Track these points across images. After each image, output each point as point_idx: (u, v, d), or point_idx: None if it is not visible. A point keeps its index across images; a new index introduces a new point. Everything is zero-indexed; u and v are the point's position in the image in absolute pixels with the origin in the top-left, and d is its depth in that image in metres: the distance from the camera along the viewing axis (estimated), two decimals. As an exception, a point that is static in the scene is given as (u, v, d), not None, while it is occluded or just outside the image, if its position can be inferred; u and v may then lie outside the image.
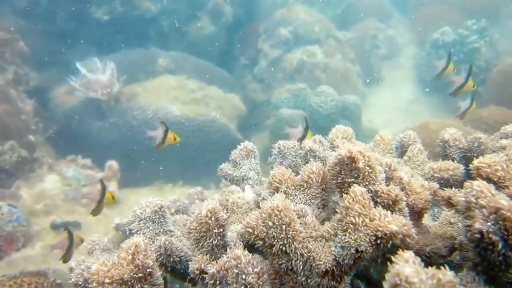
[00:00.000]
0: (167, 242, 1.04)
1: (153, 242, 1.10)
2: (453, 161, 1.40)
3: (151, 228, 1.15)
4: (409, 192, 1.04)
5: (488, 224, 0.74)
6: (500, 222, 0.73)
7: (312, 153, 1.39)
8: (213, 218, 0.97)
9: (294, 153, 1.54)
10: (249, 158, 1.64)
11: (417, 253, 0.99)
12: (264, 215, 0.89)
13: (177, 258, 1.06)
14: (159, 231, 1.16)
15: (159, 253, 1.03)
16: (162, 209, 1.18)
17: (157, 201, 1.17)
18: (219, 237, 0.99)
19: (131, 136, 4.09)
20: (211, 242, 0.97)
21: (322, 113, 4.48)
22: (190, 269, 0.96)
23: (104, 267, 0.86)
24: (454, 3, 6.79)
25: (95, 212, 1.94)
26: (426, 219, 1.27)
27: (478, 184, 0.79)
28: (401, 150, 1.63)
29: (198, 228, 0.98)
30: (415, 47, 6.74)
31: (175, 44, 5.48)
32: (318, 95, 4.61)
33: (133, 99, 4.29)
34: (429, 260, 0.98)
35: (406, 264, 0.63)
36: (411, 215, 1.04)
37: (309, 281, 0.88)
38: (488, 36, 5.45)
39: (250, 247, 1.04)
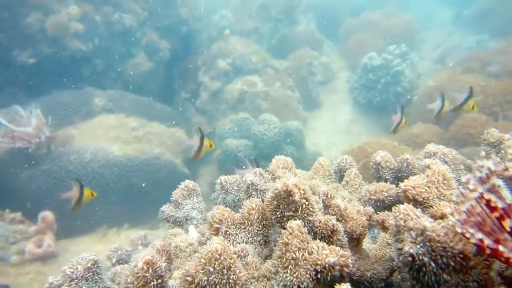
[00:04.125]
0: (102, 303, 0.96)
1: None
2: (386, 182, 1.47)
3: (84, 288, 1.05)
4: (346, 219, 1.06)
5: (418, 246, 0.77)
6: (427, 243, 0.76)
7: (254, 187, 1.38)
8: (150, 270, 0.91)
9: (236, 188, 1.52)
10: (191, 197, 1.60)
11: (359, 280, 1.00)
12: (203, 261, 0.86)
13: (115, 319, 0.97)
14: (94, 290, 1.07)
15: (93, 316, 0.95)
16: (97, 265, 1.09)
17: (90, 257, 1.08)
18: (159, 290, 0.93)
19: (68, 182, 3.83)
20: (150, 296, 0.91)
21: (267, 140, 4.55)
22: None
23: None
24: (377, 31, 7.44)
25: (76, 207, 2.17)
26: (366, 242, 1.30)
27: (405, 207, 0.82)
28: (340, 175, 1.68)
29: (135, 283, 0.91)
30: (348, 72, 7.18)
31: (111, 83, 5.33)
32: (261, 123, 4.69)
33: (68, 143, 4.05)
34: (371, 285, 0.99)
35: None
36: (350, 241, 1.06)
37: (255, 325, 0.85)
38: (409, 59, 5.98)
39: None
